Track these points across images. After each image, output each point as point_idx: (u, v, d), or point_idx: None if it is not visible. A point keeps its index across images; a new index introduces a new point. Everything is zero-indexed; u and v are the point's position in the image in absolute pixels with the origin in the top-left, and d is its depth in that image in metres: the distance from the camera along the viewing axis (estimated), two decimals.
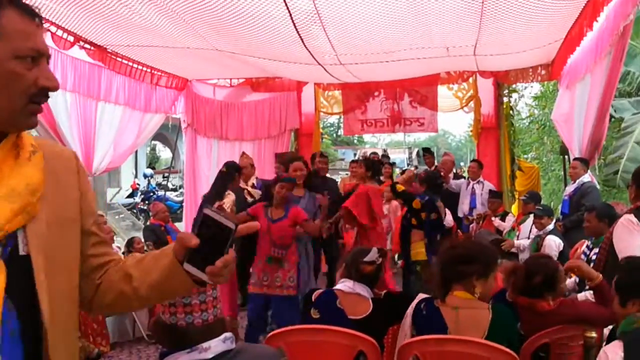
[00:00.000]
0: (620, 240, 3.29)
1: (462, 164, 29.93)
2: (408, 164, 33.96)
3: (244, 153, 7.83)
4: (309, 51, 6.70)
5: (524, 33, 6.13)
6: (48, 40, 5.94)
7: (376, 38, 6.28)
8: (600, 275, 3.55)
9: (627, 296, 2.65)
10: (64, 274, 1.34)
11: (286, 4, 5.03)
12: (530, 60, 8.14)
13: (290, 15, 5.30)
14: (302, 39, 6.15)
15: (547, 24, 5.78)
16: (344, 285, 3.46)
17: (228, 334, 2.08)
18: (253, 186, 7.22)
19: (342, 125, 10.70)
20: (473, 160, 9.21)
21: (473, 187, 8.66)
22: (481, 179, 8.71)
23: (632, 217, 3.31)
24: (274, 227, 5.42)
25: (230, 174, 6.33)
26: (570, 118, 7.47)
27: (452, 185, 8.51)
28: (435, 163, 9.50)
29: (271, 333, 3.17)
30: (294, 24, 5.62)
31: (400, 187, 6.24)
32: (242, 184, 7.08)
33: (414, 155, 39.53)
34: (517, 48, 6.93)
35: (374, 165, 6.77)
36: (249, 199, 6.81)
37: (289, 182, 5.55)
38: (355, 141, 39.63)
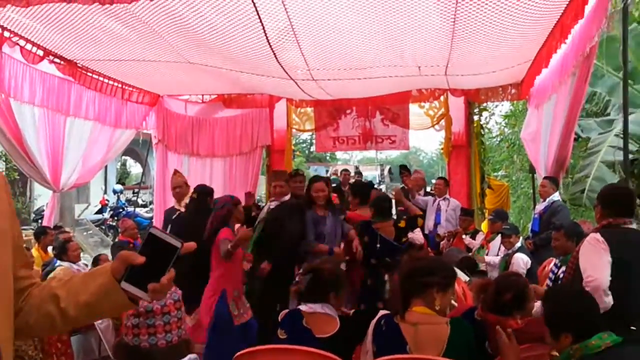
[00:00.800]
0: (586, 259, 3.33)
1: (433, 181, 30.14)
2: (380, 181, 34.14)
3: (176, 171, 7.57)
4: (281, 65, 6.67)
5: (494, 54, 6.21)
6: (17, 54, 5.86)
7: (349, 53, 6.29)
8: None
9: (557, 329, 2.66)
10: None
11: (259, 17, 5.03)
12: (501, 80, 8.24)
13: (263, 27, 5.30)
14: (274, 53, 6.12)
15: (517, 45, 5.86)
16: (306, 306, 3.44)
17: (192, 356, 2.05)
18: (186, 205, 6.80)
19: (314, 142, 10.70)
20: (439, 178, 9.27)
21: (439, 204, 8.70)
22: (447, 195, 8.77)
23: (598, 235, 3.35)
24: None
25: (202, 199, 6.31)
26: (537, 137, 7.57)
27: (419, 201, 8.52)
28: None
29: (238, 354, 3.13)
30: (267, 37, 5.61)
31: (402, 224, 5.94)
32: (175, 205, 6.98)
33: (385, 172, 39.78)
34: (488, 69, 7.01)
35: (363, 190, 6.54)
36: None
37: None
38: (328, 158, 39.77)
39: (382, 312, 3.17)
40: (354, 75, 7.30)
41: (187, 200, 6.89)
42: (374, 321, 3.11)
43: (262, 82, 8.02)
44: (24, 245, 1.51)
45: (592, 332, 2.52)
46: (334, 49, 6.16)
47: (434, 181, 10.06)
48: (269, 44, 5.82)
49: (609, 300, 3.30)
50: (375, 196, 6.37)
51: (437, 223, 8.66)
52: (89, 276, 1.41)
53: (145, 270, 1.31)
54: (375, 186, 10.49)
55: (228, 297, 5.02)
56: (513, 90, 8.66)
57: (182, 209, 6.79)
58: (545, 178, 7.23)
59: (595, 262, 3.21)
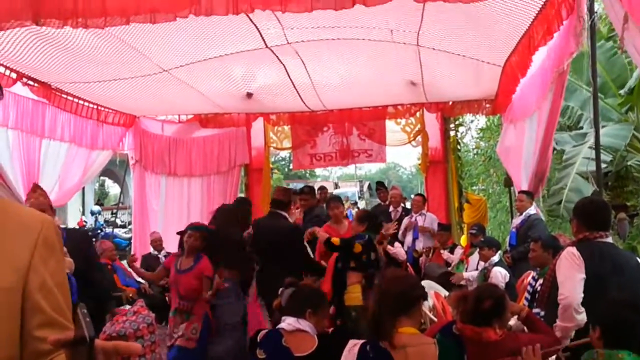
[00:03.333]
0: (561, 273, 3.36)
1: (412, 196, 30.27)
2: (359, 197, 34.18)
3: (36, 187, 6.35)
4: (255, 25, 6.01)
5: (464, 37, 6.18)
6: None
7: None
8: (526, 307, 3.67)
9: (594, 320, 2.70)
10: None
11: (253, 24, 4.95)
12: (475, 93, 8.32)
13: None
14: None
15: (484, 59, 5.94)
16: (285, 323, 3.44)
17: None
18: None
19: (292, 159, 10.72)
20: (417, 195, 9.34)
21: (416, 219, 8.75)
22: (424, 211, 8.82)
23: (574, 250, 3.37)
24: (181, 279, 5.25)
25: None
26: (515, 152, 7.66)
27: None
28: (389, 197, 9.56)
29: None
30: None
31: (335, 241, 5.58)
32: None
33: (365, 188, 39.89)
34: (459, 72, 7.04)
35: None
36: None
37: (198, 231, 5.45)
38: (307, 175, 39.79)
39: (353, 342, 3.04)
40: (329, 34, 6.62)
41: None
42: (355, 349, 2.98)
43: (239, 93, 7.99)
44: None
45: (624, 346, 2.53)
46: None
47: (412, 196, 10.12)
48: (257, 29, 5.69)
49: (581, 317, 3.32)
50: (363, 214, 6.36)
51: (415, 238, 8.70)
52: None
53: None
54: (356, 202, 10.50)
55: None
56: (487, 105, 8.76)
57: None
58: (520, 192, 7.31)
59: (569, 279, 3.23)
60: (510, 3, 4.73)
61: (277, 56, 6.81)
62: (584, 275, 3.23)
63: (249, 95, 8.18)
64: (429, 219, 8.67)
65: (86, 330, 1.07)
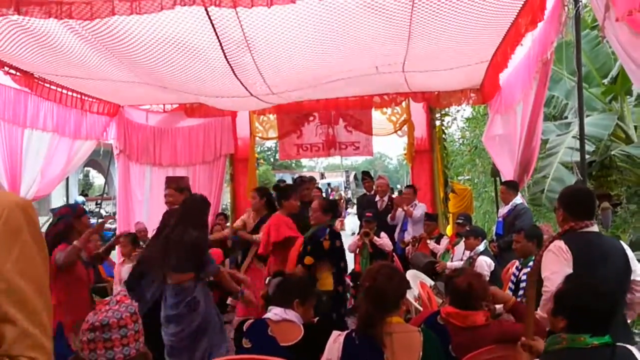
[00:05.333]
0: (546, 267, 3.36)
1: (398, 186, 30.37)
2: (345, 187, 34.28)
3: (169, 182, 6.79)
4: (241, 82, 6.61)
5: (449, 51, 6.22)
6: None
7: (306, 66, 6.25)
8: (513, 297, 3.70)
9: (559, 310, 2.71)
10: None
11: (216, 34, 4.98)
12: (460, 83, 8.32)
13: (221, 45, 5.25)
14: (234, 72, 6.09)
15: (472, 45, 5.92)
16: (272, 313, 3.44)
17: None
18: None
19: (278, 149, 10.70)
20: (408, 186, 9.33)
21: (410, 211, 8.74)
22: (416, 202, 8.83)
23: (562, 243, 3.36)
24: None
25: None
26: (501, 142, 7.68)
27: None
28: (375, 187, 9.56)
29: None
30: (225, 55, 5.55)
31: (309, 260, 5.61)
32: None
33: (351, 178, 40.00)
34: (445, 65, 7.04)
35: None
36: None
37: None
38: (293, 165, 39.81)
39: (336, 333, 3.06)
40: (313, 83, 7.25)
41: None
42: (340, 339, 3.01)
43: (222, 102, 8.00)
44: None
45: (587, 330, 2.54)
46: (291, 66, 6.13)
47: (399, 186, 10.15)
48: (227, 60, 5.73)
49: None
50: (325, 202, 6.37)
51: (404, 229, 8.72)
52: None
53: None
54: (341, 192, 10.47)
55: (65, 330, 4.66)
56: (473, 95, 8.76)
57: None
58: (502, 183, 7.34)
59: (556, 273, 3.23)
60: None
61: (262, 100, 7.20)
62: (570, 270, 3.24)
63: None
64: (420, 210, 8.68)
65: None
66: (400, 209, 8.65)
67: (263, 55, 5.65)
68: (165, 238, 5.03)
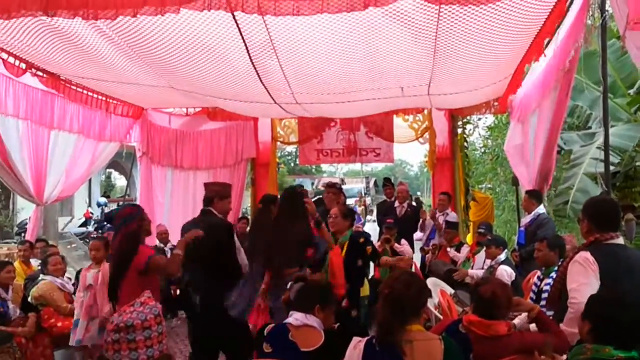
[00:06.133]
0: (573, 279, 3.31)
1: (418, 193, 30.24)
2: (365, 193, 34.18)
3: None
4: (266, 88, 6.63)
5: (475, 73, 6.22)
6: (0, 67, 5.81)
7: (332, 77, 6.26)
8: (537, 306, 3.65)
9: (586, 313, 2.70)
10: None
11: (243, 39, 5.01)
12: (483, 97, 8.28)
13: (246, 47, 5.27)
14: (258, 75, 6.11)
15: (497, 62, 5.88)
16: (293, 318, 3.45)
17: None
18: None
19: (299, 154, 10.72)
20: (442, 193, 9.18)
21: (444, 221, 8.67)
22: (448, 210, 8.78)
23: (588, 255, 3.31)
24: None
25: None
26: (521, 150, 7.62)
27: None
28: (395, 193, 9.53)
29: None
30: (251, 60, 5.57)
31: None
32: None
33: (371, 184, 39.87)
34: (469, 86, 7.02)
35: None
36: None
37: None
38: (313, 170, 39.84)
39: (357, 339, 3.05)
40: (338, 99, 7.28)
41: None
42: (360, 345, 3.00)
43: (244, 107, 8.05)
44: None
45: (611, 341, 2.54)
46: (316, 74, 6.13)
47: (419, 193, 10.12)
48: (253, 65, 5.74)
49: None
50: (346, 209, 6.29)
51: (430, 238, 8.68)
52: None
53: None
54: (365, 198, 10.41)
55: None
56: (495, 104, 8.70)
57: None
58: (526, 192, 7.28)
59: (585, 285, 3.19)
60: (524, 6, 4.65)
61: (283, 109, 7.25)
62: (597, 281, 3.20)
63: None
64: (451, 218, 8.63)
65: None
66: (429, 218, 8.64)
67: (289, 60, 5.65)
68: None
